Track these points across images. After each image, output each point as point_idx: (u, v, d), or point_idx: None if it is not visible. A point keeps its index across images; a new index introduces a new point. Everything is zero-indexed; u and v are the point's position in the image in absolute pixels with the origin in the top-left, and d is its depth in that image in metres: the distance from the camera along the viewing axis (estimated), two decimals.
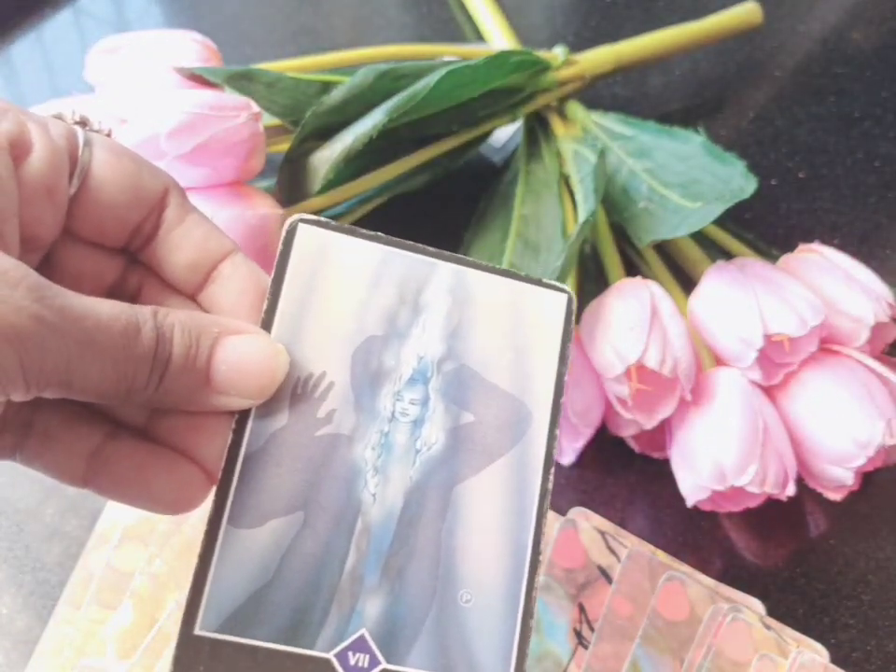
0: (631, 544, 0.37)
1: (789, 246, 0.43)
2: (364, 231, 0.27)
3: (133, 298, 0.26)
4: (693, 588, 0.36)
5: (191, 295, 0.26)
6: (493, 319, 0.27)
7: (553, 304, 0.28)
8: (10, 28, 0.56)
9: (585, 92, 0.51)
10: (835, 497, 0.40)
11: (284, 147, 0.42)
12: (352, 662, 0.24)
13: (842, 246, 0.42)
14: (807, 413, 0.38)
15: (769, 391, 0.39)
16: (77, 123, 0.26)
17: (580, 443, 0.40)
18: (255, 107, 0.39)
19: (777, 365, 0.38)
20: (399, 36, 0.59)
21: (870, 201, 0.52)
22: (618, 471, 0.41)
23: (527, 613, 0.25)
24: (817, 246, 0.42)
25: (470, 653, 0.24)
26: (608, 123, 0.48)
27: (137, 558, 0.36)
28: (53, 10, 0.58)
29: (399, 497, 0.25)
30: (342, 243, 0.27)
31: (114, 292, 0.26)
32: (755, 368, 0.37)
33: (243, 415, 0.25)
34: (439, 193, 0.48)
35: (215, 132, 0.37)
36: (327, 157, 0.41)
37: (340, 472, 0.25)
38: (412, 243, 0.27)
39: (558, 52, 0.50)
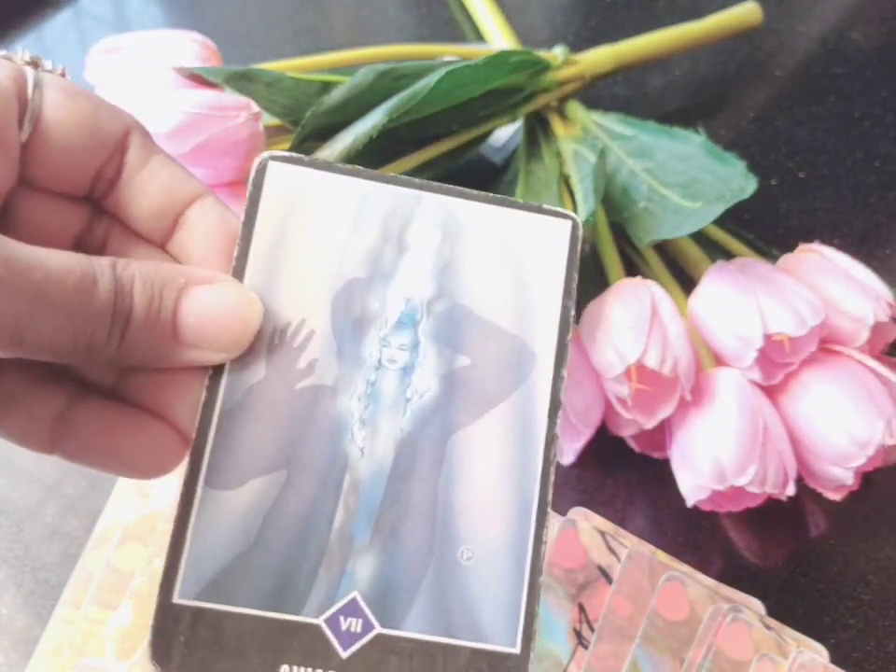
0: (631, 544, 0.37)
1: (789, 246, 0.43)
2: (341, 165, 0.25)
3: (101, 249, 0.25)
4: (692, 588, 0.36)
5: (160, 243, 0.24)
6: (488, 253, 0.25)
7: (556, 233, 0.25)
8: (11, 28, 0.56)
9: (585, 92, 0.51)
10: (835, 496, 0.40)
11: (284, 147, 0.42)
12: (343, 627, 0.22)
13: (842, 246, 0.42)
14: (807, 412, 0.38)
15: (769, 391, 0.39)
16: (27, 64, 0.24)
17: (579, 443, 0.40)
18: (255, 107, 0.39)
19: (776, 365, 0.38)
20: (399, 36, 0.59)
21: (870, 201, 0.51)
22: (618, 471, 0.41)
23: (535, 569, 0.23)
24: (817, 246, 0.42)
25: (474, 615, 0.23)
26: (608, 123, 0.48)
27: (137, 558, 0.36)
28: (54, 10, 0.58)
29: (389, 450, 0.24)
30: (317, 180, 0.25)
31: (80, 244, 0.25)
32: (755, 368, 0.37)
33: (217, 370, 0.23)
34: None
35: (214, 132, 0.37)
36: (327, 157, 0.41)
37: (324, 426, 0.23)
38: (395, 175, 0.25)
39: (558, 52, 0.50)
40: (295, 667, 0.22)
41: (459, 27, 0.59)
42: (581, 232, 0.25)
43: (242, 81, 0.41)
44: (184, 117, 0.37)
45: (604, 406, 0.40)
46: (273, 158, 0.25)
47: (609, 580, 0.36)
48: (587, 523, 0.37)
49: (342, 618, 0.22)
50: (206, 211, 0.24)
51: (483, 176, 0.49)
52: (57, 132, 0.23)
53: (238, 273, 0.24)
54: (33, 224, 0.24)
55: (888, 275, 0.41)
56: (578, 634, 0.35)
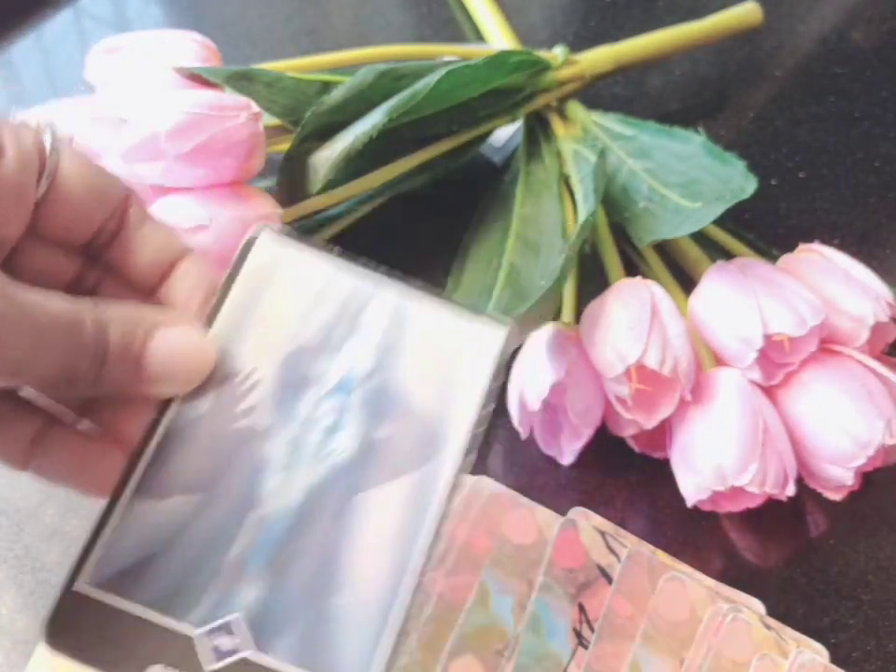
0: (631, 544, 0.37)
1: (789, 246, 0.43)
2: (322, 245, 0.28)
3: (90, 295, 0.27)
4: (693, 588, 0.36)
5: (147, 293, 0.27)
6: (425, 345, 0.28)
7: (489, 337, 0.28)
8: (11, 28, 0.56)
9: (585, 92, 0.51)
10: (835, 496, 0.40)
11: (284, 146, 0.42)
12: (217, 642, 0.24)
13: (842, 246, 0.42)
14: (807, 412, 0.38)
15: (769, 391, 0.39)
16: (42, 129, 0.27)
17: (579, 443, 0.40)
18: (255, 107, 0.39)
19: (776, 365, 0.38)
20: (399, 36, 0.59)
21: (870, 201, 0.52)
22: (618, 471, 0.41)
23: (397, 631, 0.25)
24: (817, 246, 0.42)
25: (335, 657, 0.25)
26: (608, 123, 0.48)
27: None
28: (53, 11, 0.58)
29: (298, 497, 0.26)
30: (297, 256, 0.28)
31: (71, 289, 0.27)
32: (755, 368, 0.37)
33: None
34: (439, 193, 0.48)
35: (214, 131, 0.37)
36: (327, 157, 0.41)
37: (248, 464, 0.26)
38: (365, 262, 0.28)
39: (558, 52, 0.50)
40: (163, 668, 0.24)
41: (459, 27, 0.59)
42: (514, 337, 0.28)
43: (242, 81, 0.41)
44: (184, 117, 0.37)
45: (604, 406, 0.40)
46: (264, 231, 0.28)
47: (609, 580, 0.36)
48: (587, 522, 0.37)
49: (217, 634, 0.24)
50: (191, 267, 0.27)
51: (483, 176, 0.49)
52: (69, 191, 0.26)
53: (209, 322, 0.27)
54: (34, 269, 0.26)
55: (888, 275, 0.41)
56: (578, 634, 0.35)
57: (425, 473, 0.27)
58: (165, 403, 0.26)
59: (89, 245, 0.27)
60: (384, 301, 0.28)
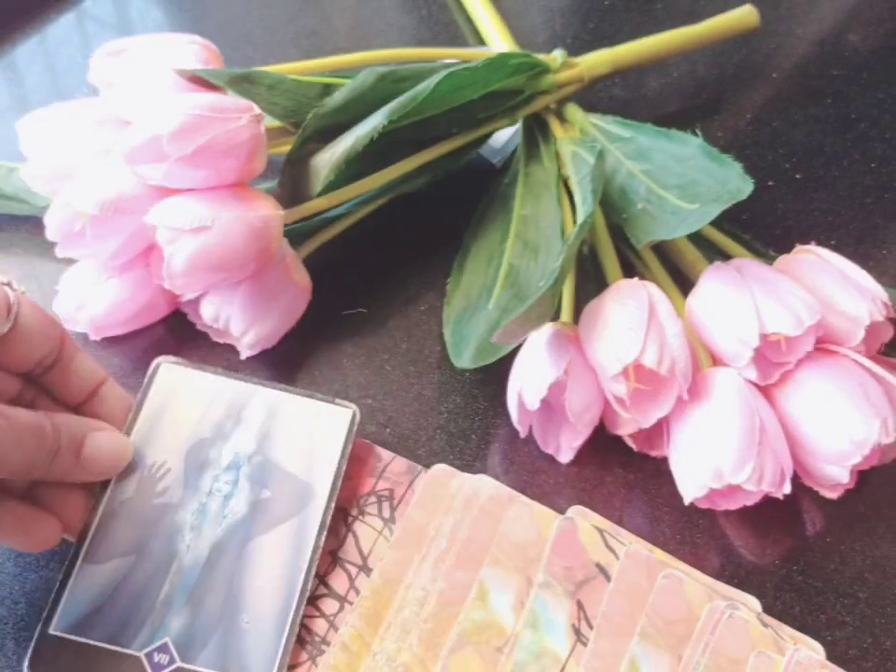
0: (629, 542, 0.37)
1: (785, 247, 0.43)
2: (209, 367, 0.39)
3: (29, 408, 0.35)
4: (690, 586, 0.36)
5: (73, 409, 0.36)
6: (294, 427, 0.38)
7: (340, 417, 0.38)
8: (14, 31, 0.57)
9: (584, 95, 0.51)
10: (832, 495, 0.40)
11: (285, 148, 0.43)
12: (156, 660, 0.33)
13: (838, 247, 0.42)
14: (804, 411, 0.38)
15: (766, 390, 0.39)
16: (4, 284, 0.35)
17: (578, 442, 0.40)
18: (256, 109, 0.39)
19: (773, 364, 0.38)
20: (399, 39, 0.59)
21: (866, 202, 0.52)
22: (616, 470, 0.41)
23: (291, 635, 0.34)
24: (813, 247, 0.42)
25: (245, 659, 0.33)
26: (606, 125, 0.48)
27: None
28: (56, 13, 0.58)
29: (206, 549, 0.35)
30: (191, 376, 0.38)
31: (12, 404, 0.33)
32: (752, 367, 0.38)
33: (103, 486, 0.35)
34: (439, 194, 0.48)
35: (216, 133, 0.38)
36: (328, 158, 0.41)
37: (166, 530, 0.35)
38: (241, 375, 0.39)
39: (557, 55, 0.50)
40: None
41: (459, 30, 0.59)
42: (358, 417, 0.38)
43: (243, 84, 0.41)
44: (186, 118, 0.37)
45: (602, 405, 0.40)
46: (165, 361, 0.38)
47: (607, 577, 0.36)
48: (586, 521, 0.37)
49: (156, 653, 0.33)
50: (110, 390, 0.37)
51: (482, 178, 0.49)
52: (25, 331, 0.34)
53: (129, 429, 0.37)
54: None
55: (883, 276, 0.42)
56: (576, 631, 0.35)
57: (300, 521, 0.36)
58: (102, 491, 0.35)
59: (30, 371, 0.35)
60: (259, 400, 0.38)
